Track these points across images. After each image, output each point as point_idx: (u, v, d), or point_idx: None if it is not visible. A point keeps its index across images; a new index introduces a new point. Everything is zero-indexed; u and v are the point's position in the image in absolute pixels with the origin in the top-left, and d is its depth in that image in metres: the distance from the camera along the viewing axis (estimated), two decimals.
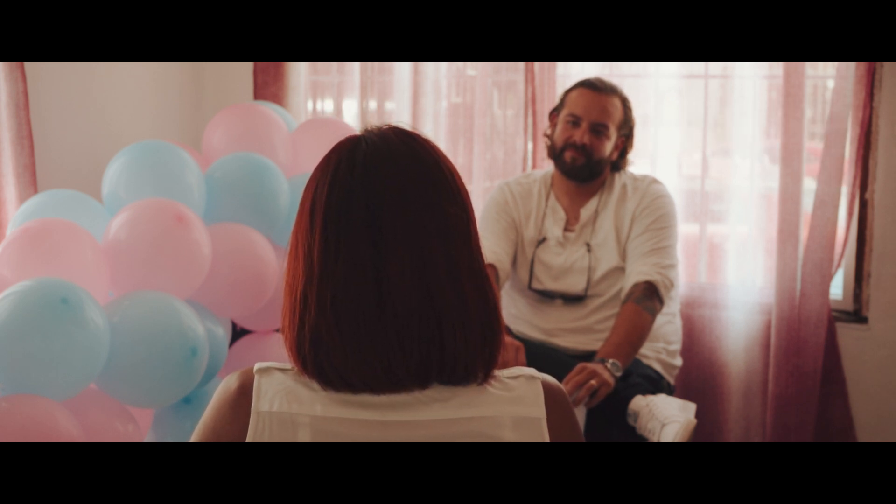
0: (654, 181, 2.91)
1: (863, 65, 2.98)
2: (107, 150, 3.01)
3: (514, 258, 2.93)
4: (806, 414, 3.10)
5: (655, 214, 2.83)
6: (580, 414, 2.60)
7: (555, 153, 2.89)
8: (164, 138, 3.14)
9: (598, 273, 2.85)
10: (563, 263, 2.88)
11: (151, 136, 3.31)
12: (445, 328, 1.15)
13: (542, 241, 2.91)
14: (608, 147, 2.84)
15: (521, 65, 3.32)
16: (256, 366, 1.21)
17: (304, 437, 1.15)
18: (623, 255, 2.85)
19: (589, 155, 2.83)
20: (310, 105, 3.64)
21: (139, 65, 3.29)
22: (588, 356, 2.75)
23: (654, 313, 2.70)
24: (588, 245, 2.87)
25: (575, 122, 2.83)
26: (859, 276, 3.15)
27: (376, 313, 1.14)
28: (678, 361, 2.93)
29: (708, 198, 3.29)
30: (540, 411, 1.20)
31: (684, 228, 3.19)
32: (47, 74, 2.89)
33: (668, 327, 2.89)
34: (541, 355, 2.71)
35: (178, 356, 2.28)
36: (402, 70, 3.41)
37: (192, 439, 1.21)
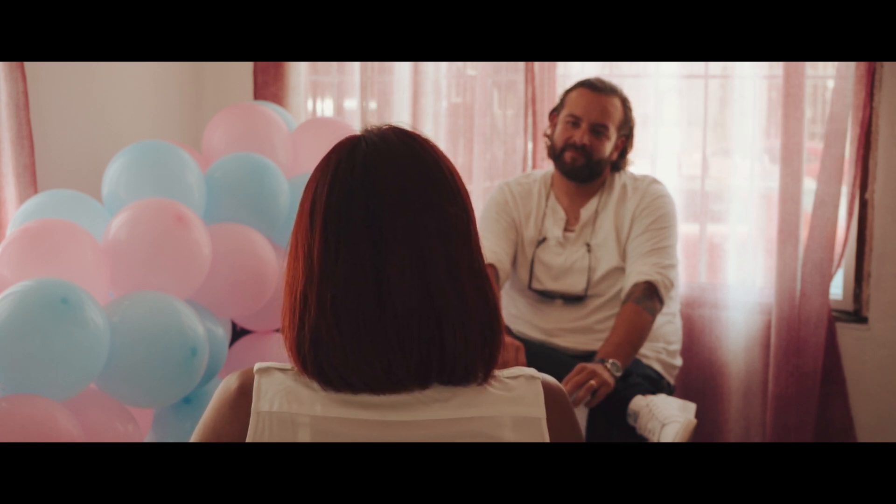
0: (654, 181, 2.91)
1: (863, 65, 2.98)
2: (107, 150, 3.01)
3: (514, 258, 2.93)
4: (806, 414, 3.10)
5: (655, 214, 2.83)
6: (581, 414, 2.60)
7: (555, 153, 2.89)
8: (164, 138, 3.14)
9: (598, 273, 2.85)
10: (563, 263, 2.88)
11: (151, 136, 3.31)
12: (445, 328, 1.15)
13: (542, 241, 2.91)
14: (608, 147, 2.84)
15: (521, 65, 3.32)
16: (256, 366, 1.21)
17: (304, 437, 1.15)
18: (623, 255, 2.85)
19: (589, 155, 2.83)
20: (310, 105, 3.64)
21: (139, 65, 3.29)
22: (588, 356, 2.75)
23: (654, 313, 2.70)
24: (588, 245, 2.87)
25: (575, 122, 2.83)
26: (859, 276, 3.16)
27: (376, 313, 1.14)
28: (678, 361, 2.93)
29: (708, 198, 3.29)
30: (540, 411, 1.20)
31: (684, 228, 3.19)
32: (47, 74, 2.89)
33: (668, 327, 2.89)
34: (541, 355, 2.71)
35: (178, 356, 2.28)
36: (402, 70, 3.41)
37: (192, 439, 1.21)
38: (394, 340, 1.14)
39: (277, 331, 2.84)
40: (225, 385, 1.21)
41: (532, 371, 1.24)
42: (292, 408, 1.16)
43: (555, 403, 1.22)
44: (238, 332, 2.93)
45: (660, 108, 3.28)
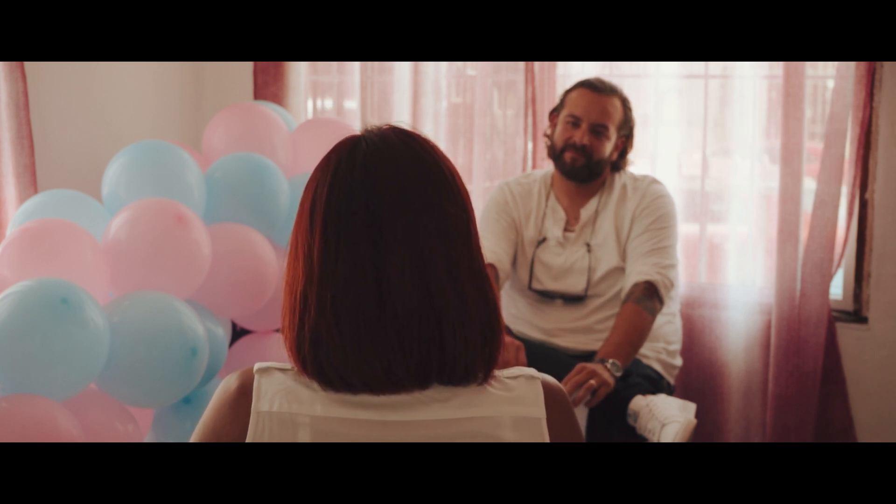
0: (654, 181, 2.91)
1: (863, 65, 2.98)
2: (107, 150, 3.01)
3: (514, 258, 2.93)
4: (806, 414, 3.10)
5: (655, 214, 2.83)
6: (581, 414, 2.60)
7: (555, 153, 2.89)
8: (164, 138, 3.14)
9: (598, 273, 2.85)
10: (563, 264, 2.88)
11: (151, 136, 3.31)
12: (445, 328, 1.15)
13: (542, 241, 2.91)
14: (608, 147, 2.84)
15: (521, 65, 3.32)
16: (256, 366, 1.21)
17: (304, 437, 1.15)
18: (623, 255, 2.85)
19: (589, 155, 2.82)
20: (310, 105, 3.64)
21: (139, 65, 3.29)
22: (588, 356, 2.75)
23: (654, 313, 2.70)
24: (588, 245, 2.87)
25: (575, 122, 2.83)
26: (859, 276, 3.16)
27: (376, 313, 1.14)
28: (678, 361, 2.93)
29: (708, 198, 3.29)
30: (540, 411, 1.20)
31: (684, 228, 3.19)
32: (47, 74, 2.89)
33: (668, 327, 2.89)
34: (541, 355, 2.71)
35: (178, 356, 2.28)
36: (402, 70, 3.41)
37: (192, 439, 1.21)
38: (394, 340, 1.14)
39: (277, 331, 2.84)
40: (225, 385, 1.21)
41: (532, 371, 1.24)
42: (292, 408, 1.16)
43: (555, 403, 1.22)
44: (238, 332, 2.93)
45: (660, 108, 3.28)
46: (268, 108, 3.01)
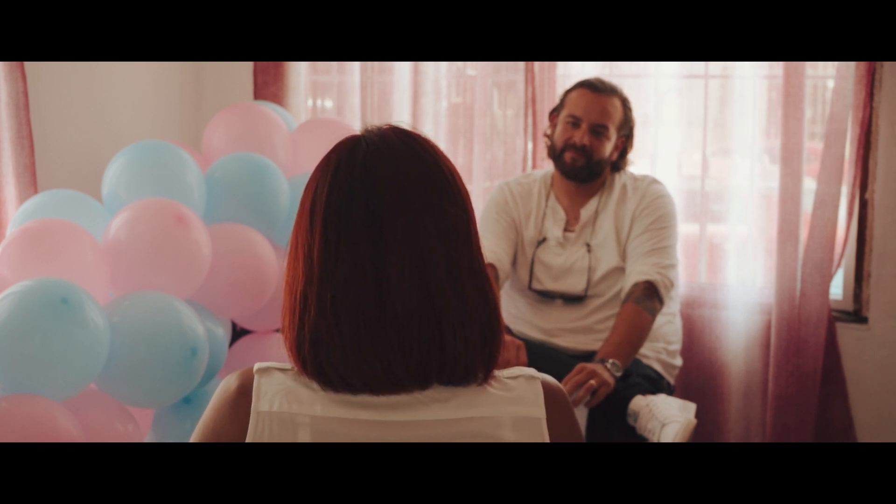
0: (654, 181, 2.91)
1: (863, 65, 2.98)
2: (107, 150, 3.01)
3: (514, 258, 2.93)
4: (806, 414, 3.10)
5: (655, 214, 2.83)
6: (581, 414, 2.60)
7: (555, 154, 2.89)
8: (164, 138, 3.14)
9: (598, 273, 2.85)
10: (563, 264, 2.88)
11: (151, 136, 3.31)
12: (445, 328, 1.15)
13: (542, 241, 2.91)
14: (608, 148, 2.84)
15: (521, 65, 3.32)
16: (256, 366, 1.21)
17: (304, 437, 1.15)
18: (623, 255, 2.85)
19: (589, 156, 2.82)
20: (310, 105, 3.64)
21: (139, 65, 3.29)
22: (588, 356, 2.75)
23: (654, 313, 2.70)
24: (588, 245, 2.87)
25: (575, 122, 2.83)
26: (859, 276, 3.15)
27: (376, 313, 1.14)
28: (678, 361, 2.92)
29: (708, 198, 3.29)
30: (540, 411, 1.19)
31: (684, 228, 3.19)
32: (47, 74, 2.89)
33: (668, 327, 2.89)
34: (541, 355, 2.70)
35: (178, 356, 2.28)
36: (402, 70, 3.41)
37: (192, 439, 1.21)
38: (394, 340, 1.14)
39: (277, 331, 2.84)
40: (224, 385, 1.21)
41: (532, 371, 1.24)
42: (292, 408, 1.16)
43: (554, 403, 1.22)
44: (238, 332, 2.93)
45: (660, 108, 3.28)
46: (268, 108, 3.01)
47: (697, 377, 3.25)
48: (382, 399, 1.17)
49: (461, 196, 1.20)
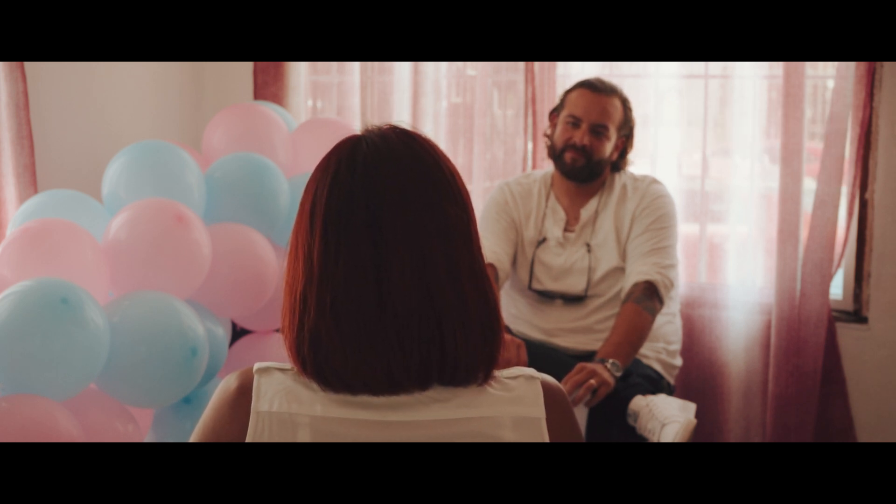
0: (654, 181, 2.91)
1: (863, 65, 2.98)
2: (107, 150, 3.01)
3: (514, 258, 2.93)
4: (806, 414, 3.10)
5: (655, 214, 2.83)
6: (581, 414, 2.60)
7: (555, 154, 2.89)
8: (164, 138, 3.14)
9: (598, 273, 2.85)
10: (563, 264, 2.88)
11: (151, 136, 3.31)
12: (446, 328, 1.15)
13: (542, 241, 2.91)
14: (608, 148, 2.84)
15: (521, 65, 3.32)
16: (256, 366, 1.21)
17: (303, 437, 1.15)
18: (623, 255, 2.85)
19: (589, 156, 2.82)
20: (310, 105, 3.64)
21: (139, 65, 3.29)
22: (588, 356, 2.75)
23: (654, 313, 2.70)
24: (588, 245, 2.87)
25: (575, 123, 2.83)
26: (859, 276, 3.15)
27: (376, 314, 1.14)
28: (678, 361, 2.92)
29: (708, 198, 3.29)
30: (539, 411, 1.19)
31: (684, 228, 3.19)
32: (47, 74, 2.89)
33: (668, 327, 2.89)
34: (541, 355, 2.70)
35: (178, 356, 2.28)
36: (402, 70, 3.41)
37: (192, 439, 1.21)
38: (394, 341, 1.14)
39: (277, 331, 2.84)
40: (224, 385, 1.21)
41: (531, 371, 1.24)
42: (292, 408, 1.16)
43: (554, 403, 1.22)
44: (238, 332, 2.93)
45: (660, 108, 3.28)
46: (268, 108, 3.01)
47: (697, 377, 3.25)
48: (382, 399, 1.16)
49: (461, 196, 1.20)
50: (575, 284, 2.86)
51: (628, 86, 3.14)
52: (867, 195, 3.09)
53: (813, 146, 3.26)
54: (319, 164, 1.21)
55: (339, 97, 3.56)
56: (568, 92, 2.89)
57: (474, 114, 3.38)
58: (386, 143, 1.19)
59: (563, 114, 2.86)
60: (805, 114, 3.05)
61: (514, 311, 2.96)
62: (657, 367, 2.83)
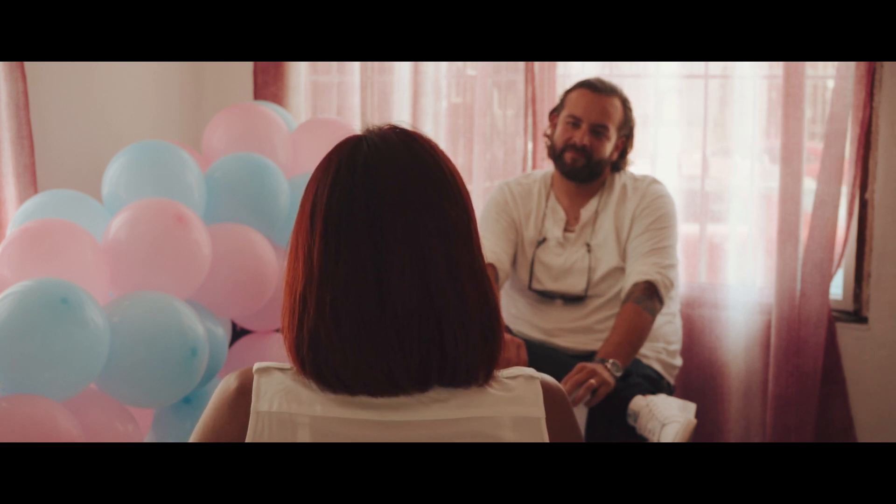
0: (654, 181, 2.91)
1: (863, 65, 2.98)
2: (107, 150, 3.01)
3: (513, 258, 2.93)
4: (806, 414, 3.10)
5: (655, 214, 2.83)
6: (581, 414, 2.60)
7: (555, 154, 2.89)
8: (164, 138, 3.14)
9: (598, 273, 2.85)
10: (563, 264, 2.88)
11: (151, 136, 3.31)
12: (445, 328, 1.15)
13: (542, 241, 2.91)
14: (608, 148, 2.84)
15: (521, 65, 3.32)
16: (256, 366, 1.21)
17: (303, 437, 1.15)
18: (623, 255, 2.85)
19: (589, 156, 2.82)
20: (310, 105, 3.64)
21: (139, 65, 3.29)
22: (588, 356, 2.75)
23: (654, 313, 2.70)
24: (588, 245, 2.87)
25: (575, 123, 2.83)
26: (859, 276, 3.15)
27: (376, 314, 1.14)
28: (678, 361, 2.93)
29: (708, 198, 3.29)
30: (539, 411, 1.19)
31: (684, 228, 3.19)
32: (47, 74, 2.89)
33: (668, 327, 2.89)
34: (541, 355, 2.70)
35: (178, 356, 2.28)
36: (402, 70, 3.41)
37: (192, 439, 1.21)
38: (394, 341, 1.14)
39: (277, 331, 2.84)
40: (224, 385, 1.21)
41: (531, 371, 1.24)
42: (292, 408, 1.16)
43: (554, 403, 1.22)
44: (238, 332, 2.93)
45: (660, 108, 3.28)
46: (268, 108, 3.01)
47: (697, 377, 3.25)
48: (382, 399, 1.16)
49: (461, 196, 1.20)
50: (575, 284, 2.86)
51: (628, 86, 3.14)
52: (867, 195, 3.09)
53: (813, 146, 3.26)
54: (320, 165, 1.21)
55: (339, 97, 3.56)
56: (568, 92, 2.89)
57: (474, 114, 3.38)
58: (386, 143, 1.19)
59: (563, 114, 2.86)
60: (805, 114, 3.05)
61: (514, 311, 2.96)
62: (657, 367, 2.83)
